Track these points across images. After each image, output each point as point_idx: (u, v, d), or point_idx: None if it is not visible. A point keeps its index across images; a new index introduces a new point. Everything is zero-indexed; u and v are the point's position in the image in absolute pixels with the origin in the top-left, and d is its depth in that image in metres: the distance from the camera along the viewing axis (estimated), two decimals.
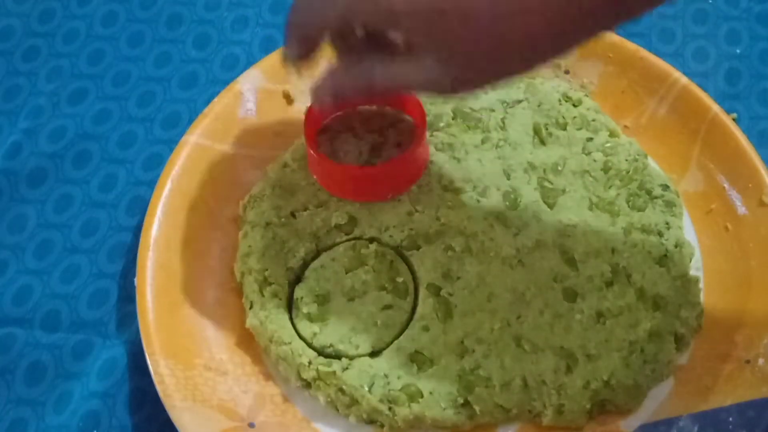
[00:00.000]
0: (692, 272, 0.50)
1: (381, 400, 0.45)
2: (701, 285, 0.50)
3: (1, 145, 0.56)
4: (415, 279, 0.48)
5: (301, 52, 0.42)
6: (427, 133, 0.50)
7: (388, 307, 0.47)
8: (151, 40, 0.61)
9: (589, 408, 0.45)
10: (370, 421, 0.46)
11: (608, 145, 0.53)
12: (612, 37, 0.56)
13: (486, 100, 0.54)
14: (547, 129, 0.53)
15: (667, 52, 0.60)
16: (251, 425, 0.45)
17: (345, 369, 0.45)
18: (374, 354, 0.46)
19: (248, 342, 0.48)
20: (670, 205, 0.52)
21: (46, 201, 0.55)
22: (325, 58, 0.43)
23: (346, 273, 0.48)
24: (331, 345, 0.46)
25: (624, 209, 0.51)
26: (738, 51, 0.61)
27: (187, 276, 0.49)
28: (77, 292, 0.51)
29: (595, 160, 0.53)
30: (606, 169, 0.52)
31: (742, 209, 0.51)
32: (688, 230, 0.52)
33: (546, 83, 0.56)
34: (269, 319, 0.47)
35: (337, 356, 0.46)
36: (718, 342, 0.48)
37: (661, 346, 0.47)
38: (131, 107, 0.58)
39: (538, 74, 0.56)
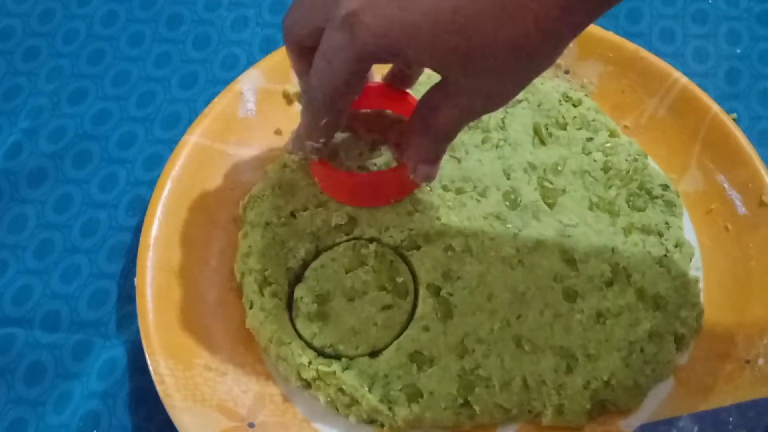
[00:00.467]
0: (692, 272, 0.50)
1: (381, 400, 0.45)
2: (701, 285, 0.50)
3: (1, 145, 0.56)
4: (415, 279, 0.48)
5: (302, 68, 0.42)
6: None
7: (388, 307, 0.47)
8: (151, 40, 0.61)
9: (589, 408, 0.45)
10: (370, 421, 0.46)
11: (608, 145, 0.53)
12: (612, 37, 0.56)
13: None
14: (547, 129, 0.53)
15: (667, 52, 0.60)
16: (251, 425, 0.45)
17: (345, 369, 0.45)
18: (374, 354, 0.46)
19: (248, 342, 0.48)
20: (670, 205, 0.52)
21: (46, 201, 0.54)
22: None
23: (346, 273, 0.48)
24: (330, 345, 0.46)
25: (624, 209, 0.51)
26: (738, 51, 0.61)
27: (187, 276, 0.49)
28: (77, 292, 0.51)
29: (595, 160, 0.53)
30: (606, 169, 0.52)
31: (742, 209, 0.51)
32: (688, 230, 0.52)
33: (546, 83, 0.56)
34: (269, 319, 0.47)
35: (337, 356, 0.46)
36: (718, 342, 0.48)
37: (661, 346, 0.47)
38: (131, 107, 0.58)
39: None
